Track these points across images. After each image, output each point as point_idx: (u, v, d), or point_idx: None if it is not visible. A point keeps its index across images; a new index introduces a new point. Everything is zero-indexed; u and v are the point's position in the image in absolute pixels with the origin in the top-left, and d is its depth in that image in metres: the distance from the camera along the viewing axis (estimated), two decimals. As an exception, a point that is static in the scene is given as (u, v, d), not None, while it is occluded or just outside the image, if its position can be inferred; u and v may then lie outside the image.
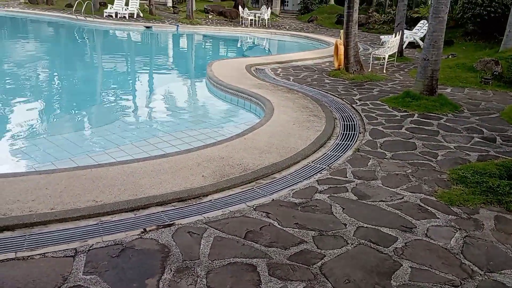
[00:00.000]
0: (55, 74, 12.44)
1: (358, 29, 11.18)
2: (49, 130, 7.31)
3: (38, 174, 4.48)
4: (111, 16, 22.81)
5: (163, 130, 7.20)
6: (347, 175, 4.84)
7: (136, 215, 3.79)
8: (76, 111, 8.84)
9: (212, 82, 9.72)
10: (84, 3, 22.88)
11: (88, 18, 21.89)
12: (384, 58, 11.91)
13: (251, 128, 6.39)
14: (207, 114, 8.64)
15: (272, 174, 4.85)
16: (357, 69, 11.00)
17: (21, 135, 6.85)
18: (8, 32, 20.53)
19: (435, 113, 7.56)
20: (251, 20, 24.10)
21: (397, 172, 4.96)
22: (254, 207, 4.00)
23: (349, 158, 5.39)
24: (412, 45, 17.10)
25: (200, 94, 10.60)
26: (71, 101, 9.61)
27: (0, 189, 4.00)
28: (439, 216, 3.96)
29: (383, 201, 4.23)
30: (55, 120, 8.22)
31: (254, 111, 8.07)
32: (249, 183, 4.60)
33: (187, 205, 4.03)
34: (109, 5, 23.60)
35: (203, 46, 20.37)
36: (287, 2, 34.49)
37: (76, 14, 22.45)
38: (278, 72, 11.35)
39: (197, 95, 10.71)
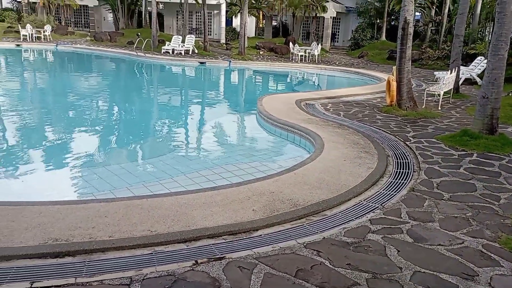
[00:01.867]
0: (115, 106, 13.20)
1: (411, 65, 11.03)
2: (108, 160, 7.71)
3: (98, 202, 4.70)
4: (168, 53, 24.07)
5: (214, 163, 7.36)
6: (402, 216, 4.67)
7: (188, 247, 3.85)
8: (133, 142, 9.28)
9: (262, 116, 9.88)
10: (144, 41, 24.37)
11: (147, 54, 23.23)
12: (439, 94, 11.59)
13: (301, 163, 6.38)
14: (257, 147, 8.75)
15: (322, 211, 4.78)
16: (411, 105, 10.77)
17: (82, 164, 7.27)
18: (75, 66, 22.21)
19: (496, 153, 7.18)
20: (301, 56, 24.50)
21: (456, 215, 4.72)
22: (305, 245, 3.94)
23: (403, 197, 5.22)
24: (469, 81, 16.55)
25: (250, 128, 10.79)
26: (128, 132, 10.11)
27: (64, 216, 4.24)
28: (503, 264, 3.70)
29: (442, 245, 4.02)
30: (113, 150, 8.65)
31: (304, 146, 8.07)
32: (299, 219, 4.56)
33: (238, 238, 4.05)
34: (167, 42, 24.96)
35: (254, 81, 20.88)
36: (337, 38, 34.84)
37: (137, 51, 23.92)
38: (328, 107, 11.36)
39: (248, 129, 10.91)
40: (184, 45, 24.61)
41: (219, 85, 19.66)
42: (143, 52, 23.63)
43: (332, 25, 32.66)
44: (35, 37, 27.19)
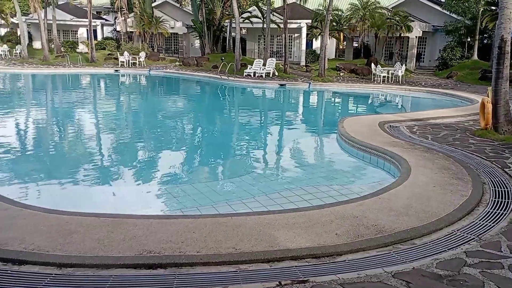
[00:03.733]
0: (200, 126, 13.88)
1: (508, 85, 10.18)
2: (194, 178, 8.09)
3: (187, 218, 4.95)
4: (250, 75, 24.86)
5: (295, 184, 7.36)
6: (502, 249, 4.27)
7: (272, 267, 3.87)
8: (216, 161, 9.65)
9: (344, 139, 9.72)
10: (228, 65, 25.50)
11: (230, 78, 24.24)
12: (542, 117, 10.50)
13: (386, 187, 6.15)
14: (338, 170, 8.60)
15: (411, 239, 4.53)
16: (508, 129, 9.89)
17: (171, 181, 7.72)
18: (165, 89, 23.88)
19: None
20: (384, 77, 23.82)
21: None
22: (393, 274, 3.76)
23: (503, 229, 4.76)
24: None
25: (331, 150, 10.65)
26: (212, 151, 10.55)
27: (156, 229, 4.52)
28: None
29: (552, 285, 3.59)
30: (198, 168, 9.07)
31: (388, 170, 7.77)
32: (386, 246, 4.37)
33: (321, 262, 3.99)
34: (249, 66, 25.84)
35: (334, 103, 20.71)
36: (423, 58, 33.35)
37: (220, 74, 25.07)
38: (414, 130, 10.84)
39: (328, 151, 10.79)
40: (265, 68, 25.27)
41: (299, 106, 19.79)
42: (227, 75, 24.68)
43: (418, 44, 31.42)
44: (131, 63, 29.76)
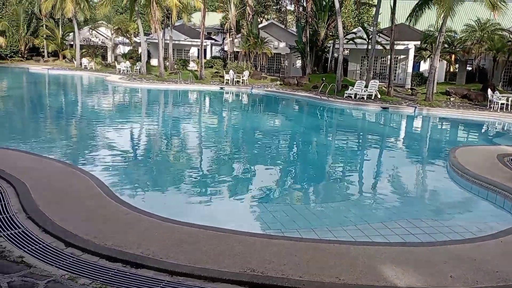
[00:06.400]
0: (300, 146, 13.90)
1: None
2: (293, 199, 8.09)
3: (289, 240, 4.94)
4: (351, 97, 24.39)
5: (400, 215, 6.96)
6: None
7: (378, 304, 3.66)
8: (316, 184, 9.53)
9: (456, 170, 8.96)
10: (328, 85, 25.36)
11: (330, 98, 24.03)
12: None
13: (510, 229, 5.49)
14: (449, 204, 7.93)
15: (543, 294, 3.96)
16: None
17: (271, 200, 7.80)
18: (265, 108, 24.49)
19: None
20: (503, 104, 21.62)
21: None
22: (522, 333, 3.30)
23: None
24: None
25: (441, 182, 9.85)
26: (312, 173, 10.46)
27: (259, 248, 4.57)
28: None
29: None
30: (298, 189, 9.04)
31: (509, 210, 6.95)
32: (512, 299, 3.87)
33: (434, 307, 3.67)
34: (350, 87, 25.38)
35: (443, 130, 19.32)
36: (551, 84, 29.64)
37: (321, 95, 25.01)
38: (541, 166, 9.58)
39: (437, 182, 9.99)
40: (367, 90, 24.61)
41: (403, 132, 18.82)
42: (327, 96, 24.53)
43: (545, 69, 28.08)
44: (235, 81, 31.19)
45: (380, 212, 7.20)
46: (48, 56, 43.63)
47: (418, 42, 29.47)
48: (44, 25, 42.60)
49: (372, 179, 10.10)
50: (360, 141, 15.74)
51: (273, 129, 17.05)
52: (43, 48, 43.26)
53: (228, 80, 30.96)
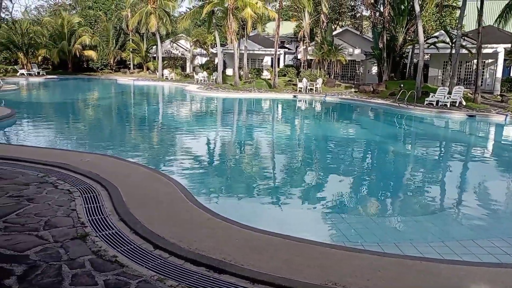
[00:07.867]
0: (379, 157, 13.40)
1: None
2: (373, 211, 7.80)
3: (371, 254, 4.76)
4: (432, 104, 23.09)
5: (493, 233, 6.40)
6: None
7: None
8: (398, 196, 9.11)
9: (559, 186, 8.06)
10: (407, 92, 24.24)
11: (409, 106, 22.93)
12: None
13: None
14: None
15: None
16: None
17: (350, 211, 7.59)
18: (339, 116, 24.03)
19: None
20: None
21: None
22: None
23: None
24: None
25: (538, 197, 8.97)
26: (392, 184, 10.01)
27: (340, 261, 4.47)
28: None
29: None
30: (378, 201, 8.67)
31: None
32: None
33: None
34: (431, 94, 24.03)
35: (538, 140, 17.52)
36: None
37: (399, 102, 23.98)
38: None
39: (534, 198, 9.10)
40: (450, 97, 23.13)
41: (492, 142, 17.37)
42: (406, 103, 23.46)
43: None
44: (308, 89, 31.05)
45: (470, 229, 6.68)
46: (134, 68, 46.97)
47: (509, 45, 27.16)
48: (130, 40, 46.00)
49: (459, 192, 9.42)
50: (444, 151, 14.80)
51: (349, 138, 16.67)
52: (130, 61, 46.66)
53: (301, 88, 30.92)
